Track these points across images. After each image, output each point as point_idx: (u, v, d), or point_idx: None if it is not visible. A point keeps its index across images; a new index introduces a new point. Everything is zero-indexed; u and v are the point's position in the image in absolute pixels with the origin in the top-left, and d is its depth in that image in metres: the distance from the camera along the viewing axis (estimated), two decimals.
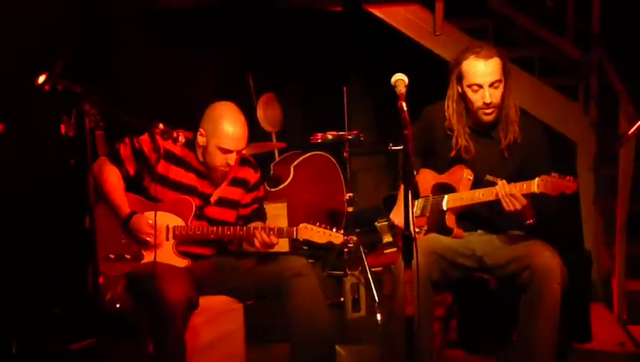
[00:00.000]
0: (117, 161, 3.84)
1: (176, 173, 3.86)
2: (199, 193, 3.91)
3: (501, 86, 3.73)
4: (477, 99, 3.74)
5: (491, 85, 3.70)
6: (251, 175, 4.08)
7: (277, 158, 6.69)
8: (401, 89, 3.17)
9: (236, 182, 4.03)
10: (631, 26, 6.55)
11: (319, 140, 5.69)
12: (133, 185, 3.90)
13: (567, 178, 3.43)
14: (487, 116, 3.77)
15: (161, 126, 3.54)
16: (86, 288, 3.76)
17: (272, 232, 3.78)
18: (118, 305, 3.71)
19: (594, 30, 6.00)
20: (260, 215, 4.13)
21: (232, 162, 3.83)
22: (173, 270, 3.71)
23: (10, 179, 4.70)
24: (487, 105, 3.72)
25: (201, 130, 3.83)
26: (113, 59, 5.67)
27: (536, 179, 3.47)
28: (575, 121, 6.09)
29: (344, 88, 5.57)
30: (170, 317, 3.48)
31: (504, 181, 3.59)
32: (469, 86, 3.74)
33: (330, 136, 5.65)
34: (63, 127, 3.22)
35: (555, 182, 3.42)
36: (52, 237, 4.88)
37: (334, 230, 3.84)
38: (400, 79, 3.20)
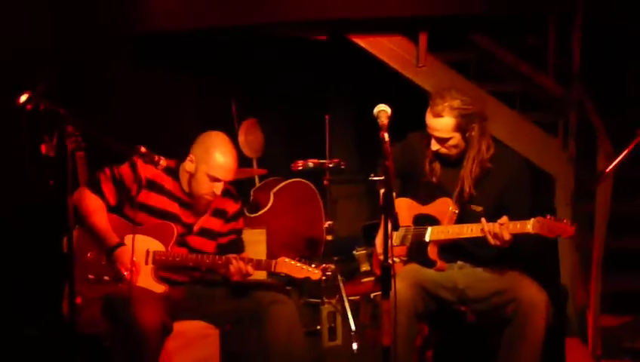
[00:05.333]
0: (97, 190, 3.85)
1: (159, 201, 3.87)
2: (182, 222, 3.92)
3: (452, 141, 3.76)
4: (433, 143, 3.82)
5: (438, 140, 3.77)
6: (231, 206, 4.09)
7: (257, 184, 6.69)
8: (384, 120, 3.20)
9: (217, 213, 4.04)
10: (610, 64, 6.65)
11: (300, 167, 5.70)
12: (114, 211, 3.91)
13: (564, 221, 3.45)
14: (445, 156, 3.84)
15: (142, 149, 3.55)
16: (60, 310, 3.74)
17: (249, 263, 3.79)
18: (94, 327, 3.68)
19: (574, 68, 6.07)
20: (237, 247, 4.11)
21: (218, 191, 3.85)
22: (149, 294, 3.70)
23: None
24: (435, 153, 3.82)
25: (191, 156, 3.85)
26: (95, 83, 5.67)
27: (532, 219, 3.48)
28: (554, 156, 6.14)
29: (326, 116, 5.59)
30: (143, 342, 3.47)
31: (483, 220, 3.62)
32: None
33: (311, 164, 5.66)
34: (43, 147, 3.21)
35: (552, 224, 3.44)
36: (28, 258, 4.84)
37: (313, 266, 3.85)
38: (382, 110, 3.22)
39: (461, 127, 3.73)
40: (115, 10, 5.95)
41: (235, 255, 3.86)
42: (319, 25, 6.35)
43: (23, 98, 3.17)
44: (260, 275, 5.10)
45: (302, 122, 7.08)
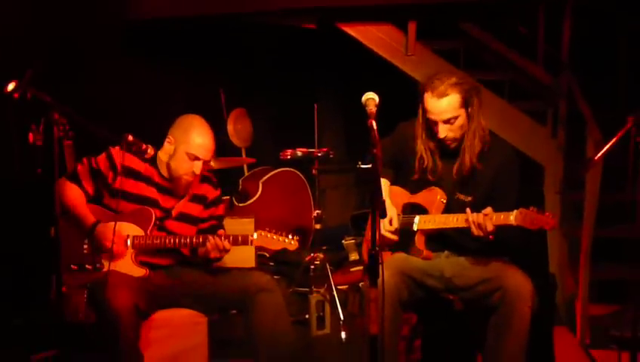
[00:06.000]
0: (75, 180, 3.90)
1: (136, 187, 3.91)
2: (160, 206, 3.95)
3: (459, 120, 3.73)
4: (435, 131, 3.78)
5: (446, 122, 3.72)
6: (210, 191, 4.13)
7: (246, 173, 6.68)
8: (372, 108, 3.18)
9: (196, 199, 4.07)
10: (600, 52, 6.65)
11: (289, 157, 5.69)
12: (94, 202, 3.96)
13: (546, 214, 3.45)
14: (448, 146, 3.81)
15: (130, 137, 3.56)
16: (48, 298, 3.73)
17: (226, 239, 3.82)
18: (80, 316, 3.68)
19: (563, 56, 6.07)
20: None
21: (197, 171, 3.89)
22: (122, 278, 3.72)
23: None
24: (443, 140, 3.76)
25: (169, 137, 3.92)
26: (83, 71, 5.64)
27: (514, 211, 3.48)
28: (543, 145, 6.15)
29: (315, 105, 5.57)
30: (116, 323, 3.49)
31: (468, 211, 3.62)
32: (428, 119, 3.78)
33: (299, 153, 5.64)
34: (31, 136, 3.20)
35: (534, 216, 3.44)
36: (15, 247, 4.82)
37: (290, 237, 3.88)
38: (371, 98, 3.21)
39: (466, 102, 3.72)
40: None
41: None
42: (308, 13, 6.34)
43: (10, 86, 3.17)
44: (248, 264, 5.11)
45: (290, 111, 7.06)
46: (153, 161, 3.95)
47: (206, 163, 3.95)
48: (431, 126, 3.79)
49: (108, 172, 3.88)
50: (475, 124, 3.78)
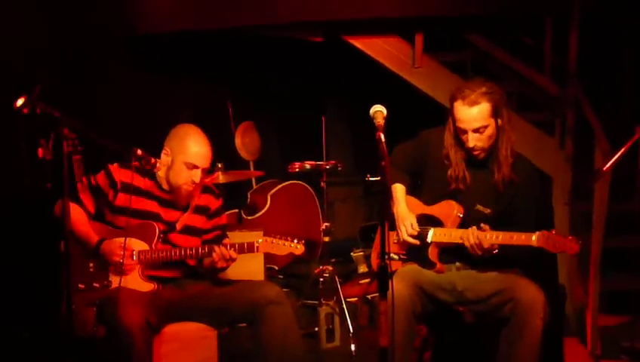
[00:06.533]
0: (76, 200, 3.89)
1: (138, 203, 3.90)
2: (163, 220, 3.95)
3: (488, 129, 3.73)
4: (464, 140, 3.78)
5: (476, 131, 3.72)
6: (212, 202, 4.13)
7: (254, 187, 6.69)
8: (380, 120, 3.19)
9: (199, 210, 4.07)
10: (607, 63, 6.65)
11: (297, 169, 5.70)
12: (96, 220, 3.96)
13: (569, 238, 3.45)
14: (475, 157, 3.81)
15: (139, 151, 3.56)
16: (58, 312, 3.73)
17: (232, 247, 3.83)
18: (89, 330, 3.68)
19: (571, 67, 6.07)
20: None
21: (197, 179, 3.89)
22: (132, 294, 3.72)
23: None
24: (471, 149, 3.76)
25: (166, 149, 3.92)
26: (92, 85, 5.66)
27: (537, 233, 3.50)
28: (551, 156, 6.13)
29: (322, 118, 5.58)
30: (128, 340, 3.49)
31: (474, 228, 3.66)
32: (457, 127, 3.78)
33: (308, 166, 5.65)
34: (40, 151, 3.21)
35: (557, 239, 3.45)
36: (24, 262, 4.83)
37: (295, 241, 3.88)
38: (379, 111, 3.22)
39: (496, 112, 3.72)
40: (110, 12, 5.95)
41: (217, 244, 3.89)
42: (315, 26, 6.35)
43: (20, 102, 3.18)
44: (257, 277, 5.11)
45: (298, 124, 7.07)
46: (151, 175, 3.95)
47: (204, 171, 3.94)
48: (459, 135, 3.79)
49: (108, 190, 3.88)
50: (507, 136, 3.80)
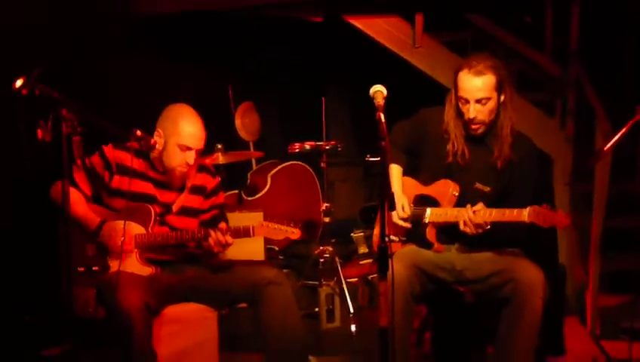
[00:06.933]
0: (72, 183, 3.85)
1: (133, 185, 3.85)
2: (159, 202, 3.92)
3: (490, 102, 3.72)
4: (464, 111, 3.76)
5: (478, 101, 3.70)
6: (209, 181, 4.10)
7: (254, 167, 6.68)
8: (380, 100, 3.17)
9: (195, 190, 4.04)
10: (608, 43, 6.62)
11: (297, 150, 5.69)
12: (94, 202, 3.94)
13: (559, 212, 3.46)
14: (474, 131, 3.79)
15: (138, 132, 3.56)
16: (58, 294, 3.74)
17: (228, 232, 3.81)
18: (90, 311, 3.69)
19: (572, 46, 6.05)
20: (221, 221, 4.10)
21: (191, 161, 3.85)
22: (131, 277, 3.71)
23: None
24: (471, 121, 3.74)
25: (158, 130, 3.86)
26: (91, 66, 5.64)
27: (527, 208, 3.50)
28: (552, 136, 6.12)
29: (322, 98, 5.57)
30: (127, 323, 3.49)
31: (469, 207, 3.66)
32: (459, 98, 3.77)
33: (307, 146, 5.65)
34: (39, 132, 3.20)
35: (547, 214, 3.46)
36: (24, 245, 4.83)
37: (291, 225, 3.87)
38: (378, 91, 3.20)
39: (500, 86, 3.72)
40: None
41: (212, 228, 3.87)
42: (315, 5, 6.32)
43: (19, 83, 3.17)
44: (258, 257, 5.11)
45: (298, 105, 7.06)
46: (146, 156, 3.92)
47: (198, 152, 3.90)
48: (461, 107, 3.78)
49: (103, 171, 3.86)
50: (509, 114, 3.79)
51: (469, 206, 3.66)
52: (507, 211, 3.55)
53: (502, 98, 3.76)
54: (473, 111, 3.72)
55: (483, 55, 3.78)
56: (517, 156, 3.80)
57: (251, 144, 6.77)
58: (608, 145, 4.13)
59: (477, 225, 3.61)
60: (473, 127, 3.77)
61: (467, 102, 3.72)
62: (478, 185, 3.81)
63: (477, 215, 3.60)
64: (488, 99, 3.71)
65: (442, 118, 3.88)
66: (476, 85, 3.70)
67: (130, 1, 6.08)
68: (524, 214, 3.50)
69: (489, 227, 3.62)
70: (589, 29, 6.17)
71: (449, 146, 3.85)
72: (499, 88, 3.73)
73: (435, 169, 3.91)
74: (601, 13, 6.41)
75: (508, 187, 3.78)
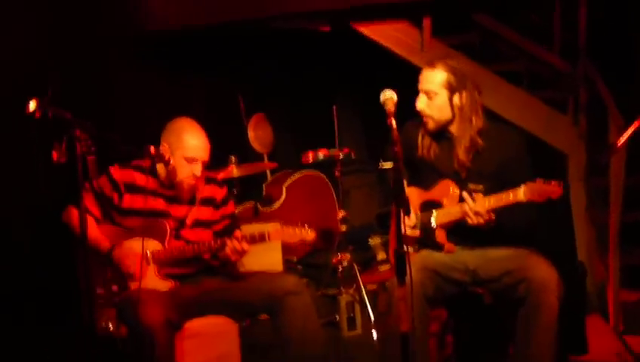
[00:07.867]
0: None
1: (145, 202, 3.86)
2: (172, 217, 3.94)
3: (438, 98, 3.76)
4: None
5: (425, 93, 3.78)
6: (217, 192, 4.11)
7: (269, 179, 6.69)
8: (391, 106, 3.19)
9: (206, 202, 4.06)
10: (618, 37, 6.60)
11: (310, 160, 5.70)
12: (106, 221, 3.95)
13: (552, 183, 3.44)
14: (425, 124, 3.85)
15: (152, 149, 3.57)
16: (79, 314, 3.76)
17: (244, 239, 3.82)
18: (111, 329, 3.70)
19: (580, 42, 6.04)
20: (235, 230, 4.08)
21: (198, 173, 3.88)
22: (151, 294, 3.71)
23: (1, 207, 4.71)
24: (420, 112, 3.81)
25: (163, 144, 3.87)
26: (102, 84, 5.67)
27: (522, 186, 3.49)
28: (565, 133, 6.11)
29: (334, 107, 5.58)
30: (150, 340, 3.49)
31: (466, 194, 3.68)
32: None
33: (321, 155, 5.66)
34: (55, 154, 3.23)
35: (541, 188, 3.44)
36: (42, 265, 4.86)
37: (305, 226, 3.89)
38: (389, 98, 3.22)
39: (450, 86, 3.75)
40: (116, 12, 5.95)
41: (228, 237, 3.88)
42: (322, 15, 6.34)
43: (32, 106, 3.19)
44: (276, 268, 5.12)
45: (310, 114, 7.07)
46: (153, 172, 3.94)
47: (204, 163, 3.92)
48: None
49: (112, 193, 3.87)
50: (467, 123, 3.79)
51: (467, 197, 3.65)
52: (504, 195, 3.55)
53: (455, 100, 3.77)
54: (420, 102, 3.81)
55: (450, 56, 3.86)
56: (499, 148, 3.79)
57: (265, 156, 6.79)
58: (622, 139, 4.13)
59: (477, 213, 3.59)
60: (424, 120, 3.82)
61: (419, 91, 3.81)
62: (471, 186, 3.80)
63: (477, 203, 3.60)
64: (435, 94, 3.76)
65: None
66: (425, 76, 3.80)
67: (138, 19, 6.11)
68: (520, 192, 3.49)
69: (494, 218, 3.60)
70: (598, 24, 6.15)
71: (418, 141, 3.91)
72: (449, 87, 3.75)
73: (427, 173, 3.94)
74: (608, 7, 6.39)
75: (502, 180, 3.75)
